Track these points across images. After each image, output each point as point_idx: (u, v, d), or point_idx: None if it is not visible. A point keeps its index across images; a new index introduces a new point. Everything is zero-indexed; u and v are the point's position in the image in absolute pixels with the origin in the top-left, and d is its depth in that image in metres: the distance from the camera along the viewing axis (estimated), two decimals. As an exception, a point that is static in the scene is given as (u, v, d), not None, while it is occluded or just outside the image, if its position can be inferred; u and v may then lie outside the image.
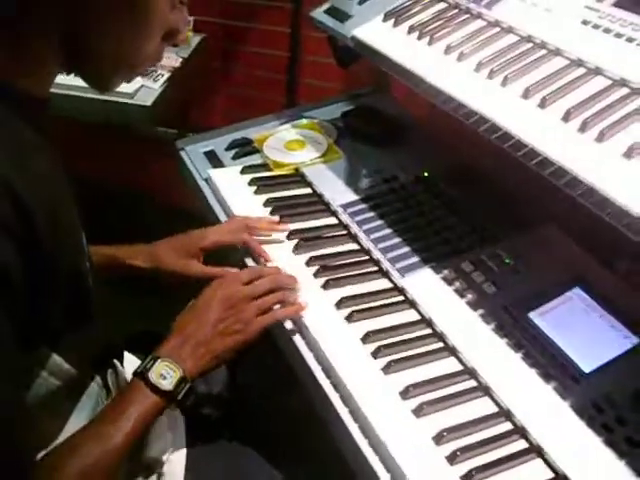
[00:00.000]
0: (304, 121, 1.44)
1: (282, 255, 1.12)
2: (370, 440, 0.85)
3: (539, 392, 0.90)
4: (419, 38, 1.12)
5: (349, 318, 1.00)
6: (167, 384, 0.83)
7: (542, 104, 0.93)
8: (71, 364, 0.82)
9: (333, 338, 0.97)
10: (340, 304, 1.02)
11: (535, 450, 0.84)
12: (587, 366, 0.93)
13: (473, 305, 1.02)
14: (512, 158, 1.12)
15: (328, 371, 0.94)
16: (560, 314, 1.01)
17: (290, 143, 1.38)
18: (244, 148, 1.38)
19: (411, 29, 1.14)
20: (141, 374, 0.84)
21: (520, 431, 0.86)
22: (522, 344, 0.96)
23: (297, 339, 0.99)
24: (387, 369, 0.92)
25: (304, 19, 2.06)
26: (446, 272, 1.08)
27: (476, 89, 0.99)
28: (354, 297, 1.03)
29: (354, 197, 1.25)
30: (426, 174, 1.28)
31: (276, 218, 1.19)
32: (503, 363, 0.94)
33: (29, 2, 0.68)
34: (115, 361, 0.98)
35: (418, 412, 0.87)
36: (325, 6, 1.32)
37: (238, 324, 0.92)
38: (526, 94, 0.95)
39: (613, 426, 0.86)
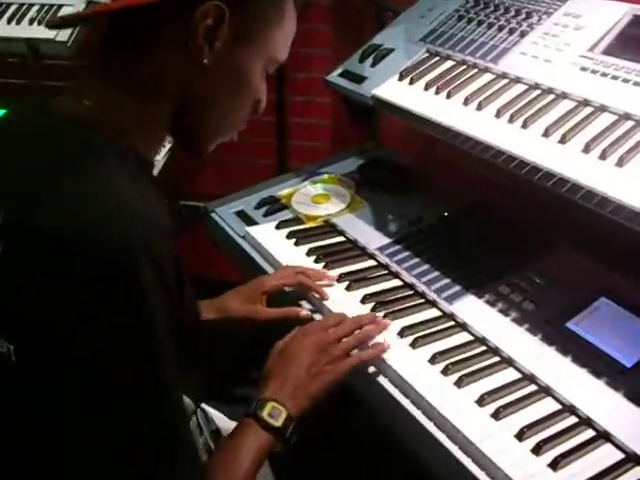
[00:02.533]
0: (325, 176, 1.57)
1: (338, 296, 1.23)
2: (460, 445, 0.96)
3: (593, 387, 1.03)
4: (437, 93, 1.28)
5: (413, 344, 1.11)
6: (276, 422, 0.93)
7: (562, 140, 1.08)
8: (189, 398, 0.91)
9: (404, 362, 1.08)
10: (402, 333, 1.13)
11: (603, 436, 0.96)
12: (628, 361, 1.07)
13: (518, 322, 1.16)
14: (522, 191, 1.28)
15: (406, 391, 1.04)
16: (593, 321, 1.15)
17: (316, 197, 1.51)
18: (273, 205, 1.50)
19: (427, 86, 1.30)
20: (253, 414, 0.93)
21: (586, 422, 0.98)
22: (568, 349, 1.09)
23: (370, 368, 1.10)
24: (459, 383, 1.04)
25: (288, 84, 2.22)
26: (487, 296, 1.21)
27: (501, 132, 1.15)
28: (413, 326, 1.15)
29: (387, 240, 1.38)
30: (446, 214, 1.42)
31: (324, 270, 1.30)
32: (556, 367, 1.07)
33: (159, 76, 0.82)
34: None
35: (497, 415, 0.98)
36: (338, 70, 1.47)
37: (329, 366, 1.01)
38: (546, 133, 1.10)
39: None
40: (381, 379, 1.08)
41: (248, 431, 0.92)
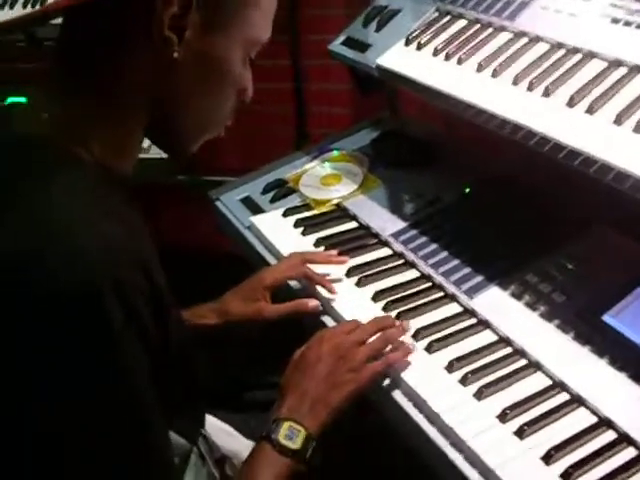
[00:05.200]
0: (335, 153, 1.44)
1: (347, 293, 1.12)
2: (479, 469, 0.85)
3: (633, 397, 0.90)
4: (447, 59, 1.13)
5: (429, 349, 1.00)
6: (294, 444, 0.84)
7: (590, 110, 0.93)
8: (184, 437, 0.83)
9: (417, 371, 0.97)
10: (417, 335, 1.02)
11: (645, 456, 0.84)
12: (675, 363, 0.93)
13: (546, 316, 1.02)
14: (551, 165, 1.12)
15: (420, 406, 0.93)
16: (634, 312, 1.01)
17: (326, 178, 1.38)
18: (280, 190, 1.39)
19: (436, 51, 1.15)
20: (267, 437, 0.84)
21: (625, 439, 0.86)
22: (604, 349, 0.96)
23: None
24: (479, 395, 0.92)
25: (303, 48, 2.07)
26: (513, 287, 1.08)
27: (518, 103, 1.00)
28: (429, 327, 1.03)
29: (402, 224, 1.25)
30: (467, 190, 1.28)
31: (333, 251, 1.19)
32: (590, 371, 0.94)
33: (126, 79, 0.72)
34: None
35: (521, 434, 0.86)
36: (341, 38, 1.33)
37: (350, 373, 0.91)
38: (571, 102, 0.95)
39: None
40: (393, 391, 0.97)
41: (263, 457, 0.84)
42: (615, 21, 1.01)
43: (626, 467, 0.83)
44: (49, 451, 0.62)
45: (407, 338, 1.01)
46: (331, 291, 1.11)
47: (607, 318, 1.00)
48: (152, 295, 0.67)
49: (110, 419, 0.63)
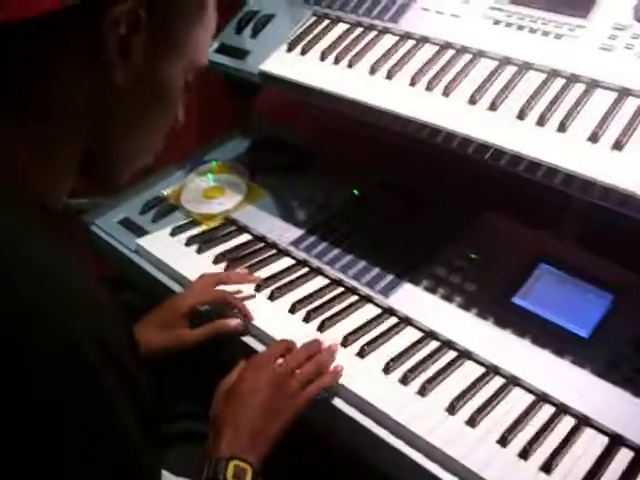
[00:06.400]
0: (213, 164, 1.39)
1: (262, 309, 1.08)
2: (441, 462, 0.86)
3: (560, 369, 0.97)
4: (336, 62, 1.13)
5: (361, 353, 1.00)
6: None
7: (492, 107, 0.98)
8: None
9: (356, 378, 0.96)
10: (346, 342, 1.01)
11: (583, 422, 0.90)
12: (584, 332, 1.01)
13: (463, 306, 1.07)
14: (435, 161, 1.17)
15: (367, 411, 0.92)
16: (539, 292, 1.08)
17: (208, 192, 1.33)
18: (161, 208, 1.31)
19: (324, 55, 1.15)
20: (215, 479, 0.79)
21: (563, 409, 0.92)
22: (523, 329, 1.02)
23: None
24: (423, 391, 0.94)
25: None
26: (425, 282, 1.11)
27: (419, 103, 1.02)
28: (355, 332, 1.03)
29: (299, 232, 1.23)
30: (356, 192, 1.30)
31: (244, 270, 1.15)
32: (517, 353, 0.99)
33: (63, 106, 0.63)
34: None
35: (472, 422, 0.89)
36: (214, 45, 1.28)
37: (286, 402, 0.89)
38: (473, 100, 1.00)
39: (633, 376, 0.94)
40: (333, 400, 0.95)
41: None
42: (497, 22, 1.07)
43: (571, 435, 0.89)
44: None
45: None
46: (248, 317, 1.06)
47: (517, 300, 1.07)
48: (130, 340, 0.61)
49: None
